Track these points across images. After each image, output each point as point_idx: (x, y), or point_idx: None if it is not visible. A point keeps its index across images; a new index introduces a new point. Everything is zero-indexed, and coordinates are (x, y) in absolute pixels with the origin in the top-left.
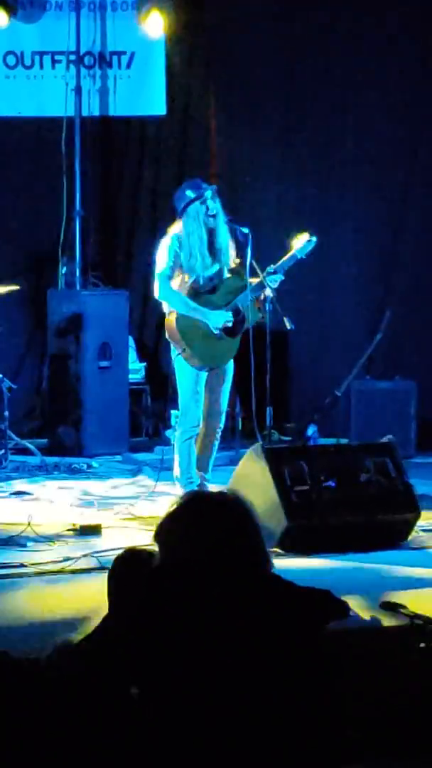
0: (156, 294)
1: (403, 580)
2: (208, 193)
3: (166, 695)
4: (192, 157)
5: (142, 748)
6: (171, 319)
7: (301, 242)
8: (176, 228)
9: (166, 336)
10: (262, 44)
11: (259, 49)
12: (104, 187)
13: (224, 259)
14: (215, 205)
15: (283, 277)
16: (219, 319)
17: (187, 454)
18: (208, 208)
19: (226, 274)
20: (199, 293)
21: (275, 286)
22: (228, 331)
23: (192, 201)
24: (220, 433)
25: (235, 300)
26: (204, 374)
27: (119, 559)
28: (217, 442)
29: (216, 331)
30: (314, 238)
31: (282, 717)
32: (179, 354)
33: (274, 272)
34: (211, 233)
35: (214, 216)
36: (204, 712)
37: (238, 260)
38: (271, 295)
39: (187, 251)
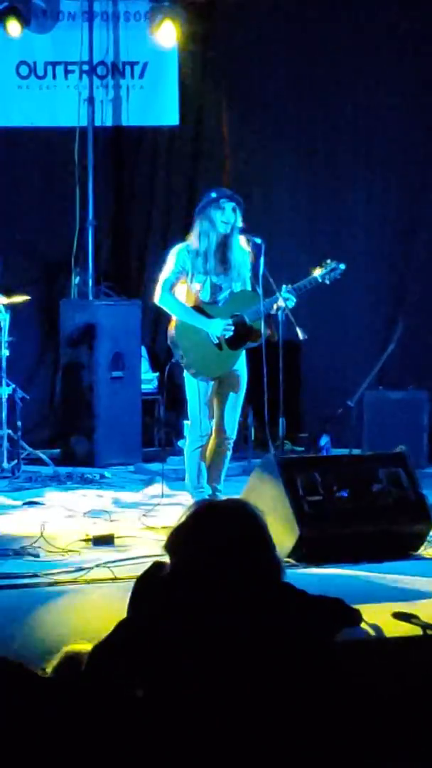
0: (155, 299)
1: (416, 590)
2: (230, 204)
3: (175, 703)
4: (204, 167)
5: (147, 754)
6: (171, 326)
7: (325, 266)
8: (191, 236)
9: (168, 342)
10: (274, 54)
11: (271, 59)
12: (117, 197)
13: (235, 272)
14: (233, 216)
15: (296, 299)
16: (217, 327)
17: (196, 463)
18: (223, 213)
19: (237, 288)
20: (203, 303)
21: (290, 305)
22: (228, 342)
23: (211, 201)
24: (231, 444)
25: (242, 313)
26: (212, 384)
27: (146, 570)
28: (229, 453)
29: (215, 340)
30: (342, 266)
31: (292, 726)
32: (177, 361)
33: (290, 292)
34: (224, 242)
35: (228, 224)
36: (212, 720)
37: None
38: (284, 305)
39: (194, 252)
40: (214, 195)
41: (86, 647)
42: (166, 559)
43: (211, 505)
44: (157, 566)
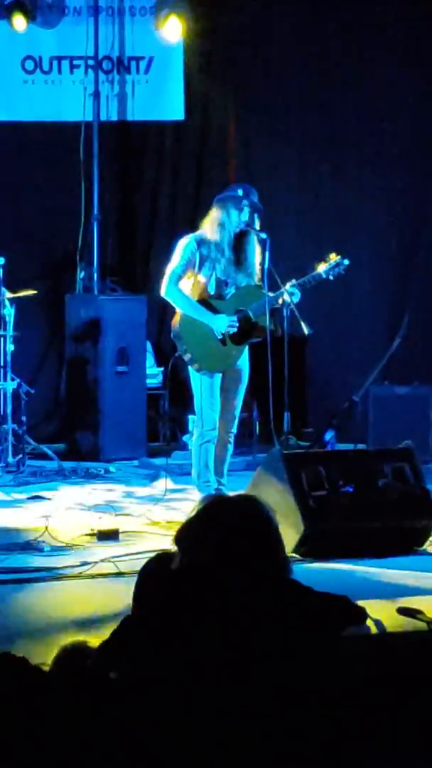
0: (162, 291)
1: (421, 585)
2: (249, 210)
3: (181, 700)
4: (210, 162)
5: (152, 750)
6: (176, 320)
7: (329, 262)
8: (205, 223)
9: (171, 336)
10: (279, 49)
11: (277, 54)
12: (122, 192)
13: (244, 269)
14: (249, 218)
15: (300, 295)
16: (222, 323)
17: (204, 457)
18: (241, 213)
19: (242, 283)
20: (209, 296)
21: (294, 300)
22: (233, 338)
23: (234, 198)
24: (233, 438)
25: (247, 308)
26: (218, 378)
27: (150, 561)
28: (231, 446)
29: (219, 335)
30: (345, 261)
31: (298, 722)
32: (180, 355)
33: (294, 287)
34: (240, 238)
35: (244, 223)
36: (218, 715)
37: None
38: (290, 300)
39: (207, 243)
40: (240, 193)
41: (89, 641)
42: (168, 549)
43: (222, 500)
44: (161, 558)
